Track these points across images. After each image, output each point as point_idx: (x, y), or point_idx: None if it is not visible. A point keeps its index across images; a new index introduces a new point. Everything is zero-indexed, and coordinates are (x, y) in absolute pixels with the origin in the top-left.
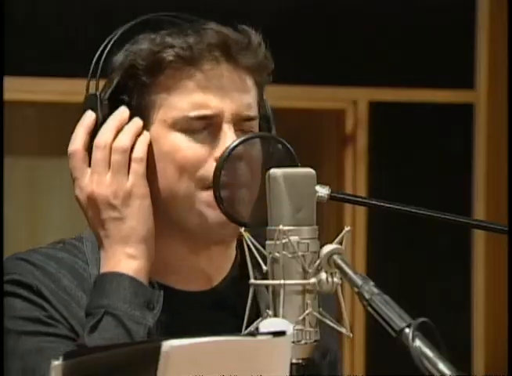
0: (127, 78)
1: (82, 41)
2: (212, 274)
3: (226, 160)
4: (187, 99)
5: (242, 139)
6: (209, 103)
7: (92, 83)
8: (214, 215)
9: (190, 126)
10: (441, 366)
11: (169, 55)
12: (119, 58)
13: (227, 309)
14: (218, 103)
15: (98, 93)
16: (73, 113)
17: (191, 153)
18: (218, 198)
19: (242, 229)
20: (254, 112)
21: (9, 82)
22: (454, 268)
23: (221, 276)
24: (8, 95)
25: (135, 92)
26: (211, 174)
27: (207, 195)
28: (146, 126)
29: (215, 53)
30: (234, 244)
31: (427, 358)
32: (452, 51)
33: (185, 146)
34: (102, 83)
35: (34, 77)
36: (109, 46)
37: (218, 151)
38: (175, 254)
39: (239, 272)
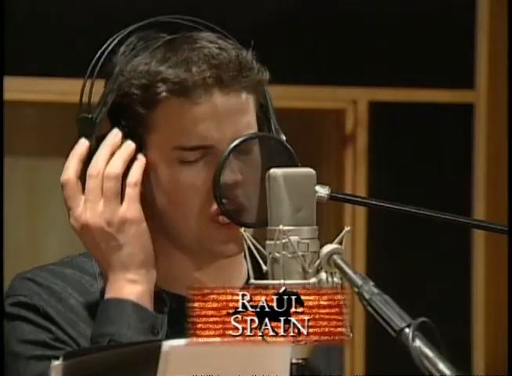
0: (121, 104)
1: (82, 41)
2: (228, 284)
3: (226, 161)
4: (183, 131)
5: (242, 139)
6: (205, 134)
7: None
8: (215, 231)
9: (187, 157)
10: (441, 366)
11: (162, 90)
12: (113, 78)
13: None
14: (214, 133)
15: (90, 116)
16: (73, 113)
17: (188, 185)
18: (217, 198)
19: (242, 229)
20: (253, 129)
21: (9, 82)
22: (454, 268)
23: (240, 283)
24: (8, 95)
25: (130, 118)
26: (212, 200)
27: (210, 210)
28: (141, 151)
29: (208, 83)
30: (242, 254)
31: (427, 358)
32: (452, 51)
33: (183, 178)
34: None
35: (34, 77)
36: (104, 55)
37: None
38: (182, 268)
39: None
